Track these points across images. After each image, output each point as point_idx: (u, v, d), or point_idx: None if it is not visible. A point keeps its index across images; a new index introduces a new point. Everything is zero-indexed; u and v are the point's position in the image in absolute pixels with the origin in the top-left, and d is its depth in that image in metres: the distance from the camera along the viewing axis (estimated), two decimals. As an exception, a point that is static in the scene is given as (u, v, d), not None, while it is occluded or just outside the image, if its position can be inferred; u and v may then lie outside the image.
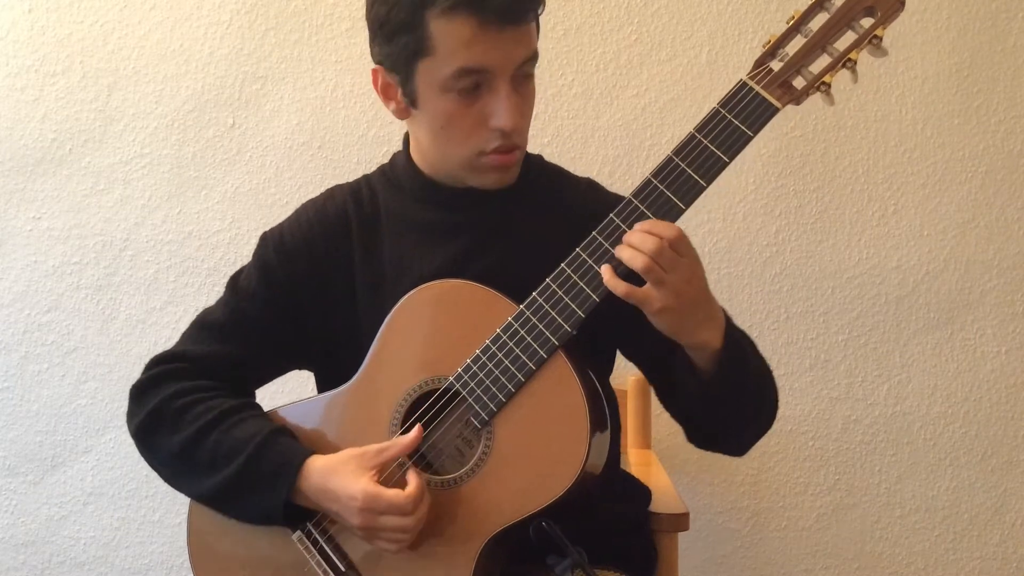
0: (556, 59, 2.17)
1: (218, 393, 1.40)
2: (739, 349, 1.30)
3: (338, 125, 2.21)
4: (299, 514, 1.34)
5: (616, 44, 2.18)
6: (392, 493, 1.25)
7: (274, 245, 1.45)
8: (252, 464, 1.32)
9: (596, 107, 2.18)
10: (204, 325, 1.46)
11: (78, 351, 2.26)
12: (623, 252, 1.21)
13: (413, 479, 1.27)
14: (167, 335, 2.22)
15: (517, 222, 1.40)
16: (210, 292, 2.21)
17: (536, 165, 1.46)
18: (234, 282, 1.47)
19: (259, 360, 1.46)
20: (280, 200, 2.21)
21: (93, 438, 2.27)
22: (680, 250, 1.21)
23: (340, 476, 1.28)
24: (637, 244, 1.21)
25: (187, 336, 1.47)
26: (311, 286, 1.42)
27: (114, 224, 2.24)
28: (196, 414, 1.36)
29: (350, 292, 1.41)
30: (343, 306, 1.41)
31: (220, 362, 1.42)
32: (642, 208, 1.23)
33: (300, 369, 1.52)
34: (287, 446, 1.34)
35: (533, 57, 1.30)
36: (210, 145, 2.23)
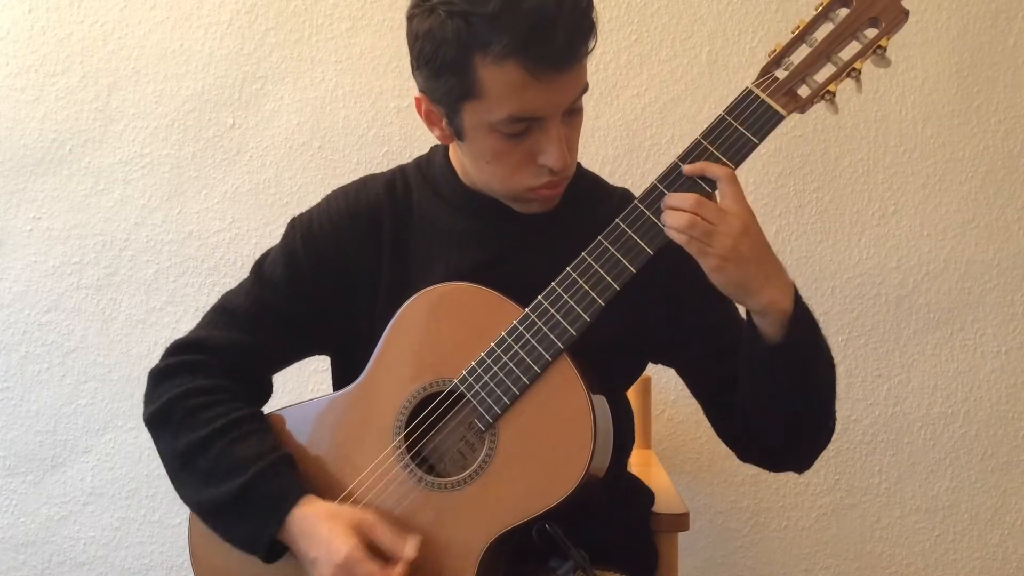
0: (557, 59, 2.17)
1: (232, 395, 1.37)
2: (810, 313, 1.26)
3: (338, 125, 2.21)
4: (279, 549, 1.32)
5: (616, 44, 2.18)
6: (373, 568, 1.23)
7: (302, 233, 1.42)
8: (247, 491, 1.29)
9: (596, 107, 2.18)
10: (226, 311, 1.43)
11: (78, 351, 2.26)
12: (665, 214, 1.20)
13: (410, 549, 1.24)
14: (167, 335, 2.20)
15: (546, 235, 1.37)
16: (210, 292, 2.21)
17: (575, 176, 1.39)
18: (259, 268, 1.44)
19: (278, 350, 1.44)
20: (280, 200, 2.21)
21: (93, 438, 2.27)
22: (727, 196, 1.20)
23: (332, 525, 1.25)
24: (676, 203, 1.19)
25: (208, 321, 1.44)
26: (337, 278, 1.40)
27: (114, 224, 2.24)
28: (204, 419, 1.34)
29: (374, 288, 1.39)
30: (366, 301, 1.39)
31: (239, 353, 1.40)
32: (647, 213, 1.23)
33: (318, 355, 1.51)
34: (284, 482, 1.31)
35: (584, 91, 1.28)
36: (210, 145, 2.22)
